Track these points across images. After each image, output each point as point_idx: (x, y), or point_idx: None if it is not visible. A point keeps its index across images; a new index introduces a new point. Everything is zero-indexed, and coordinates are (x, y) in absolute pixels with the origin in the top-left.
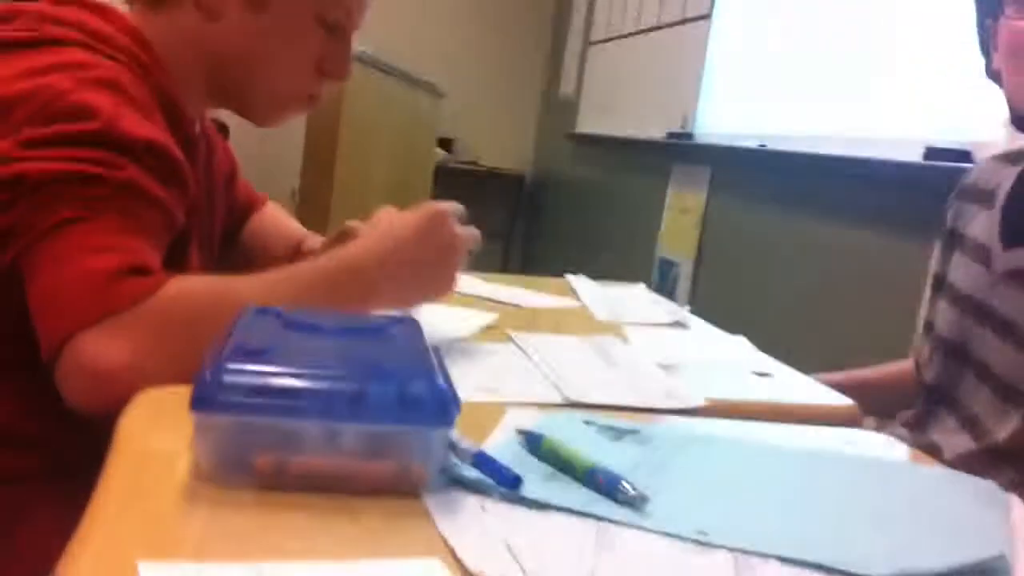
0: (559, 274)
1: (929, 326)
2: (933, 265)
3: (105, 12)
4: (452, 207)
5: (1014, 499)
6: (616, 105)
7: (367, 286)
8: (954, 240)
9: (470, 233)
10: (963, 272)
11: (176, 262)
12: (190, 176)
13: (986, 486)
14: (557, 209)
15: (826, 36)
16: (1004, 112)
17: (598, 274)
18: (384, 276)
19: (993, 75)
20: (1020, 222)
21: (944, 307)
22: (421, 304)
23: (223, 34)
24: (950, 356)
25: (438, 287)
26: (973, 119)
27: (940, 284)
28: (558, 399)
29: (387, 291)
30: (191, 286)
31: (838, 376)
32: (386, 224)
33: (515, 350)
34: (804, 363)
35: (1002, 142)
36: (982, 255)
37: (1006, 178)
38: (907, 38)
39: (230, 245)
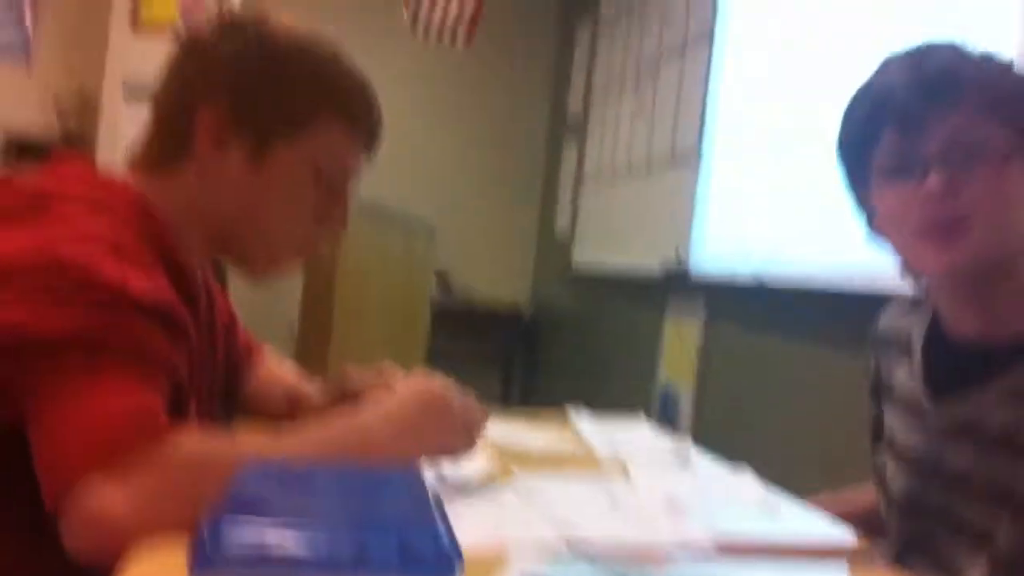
0: (560, 406)
1: (880, 474)
2: (870, 408)
3: (103, 172)
4: (445, 383)
5: None
6: (611, 239)
7: (378, 452)
8: (881, 390)
9: (475, 406)
10: (900, 425)
11: (175, 413)
12: (192, 330)
13: None
14: (556, 341)
15: (819, 166)
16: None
17: (600, 404)
18: (395, 442)
19: (875, 235)
20: (941, 374)
21: (892, 466)
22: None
23: (223, 189)
24: (911, 515)
25: (452, 451)
26: None
27: (879, 433)
28: (563, 543)
29: (398, 456)
30: (196, 440)
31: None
32: (391, 402)
33: (518, 492)
34: (807, 485)
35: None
36: (914, 410)
37: (915, 325)
38: None
39: (231, 393)
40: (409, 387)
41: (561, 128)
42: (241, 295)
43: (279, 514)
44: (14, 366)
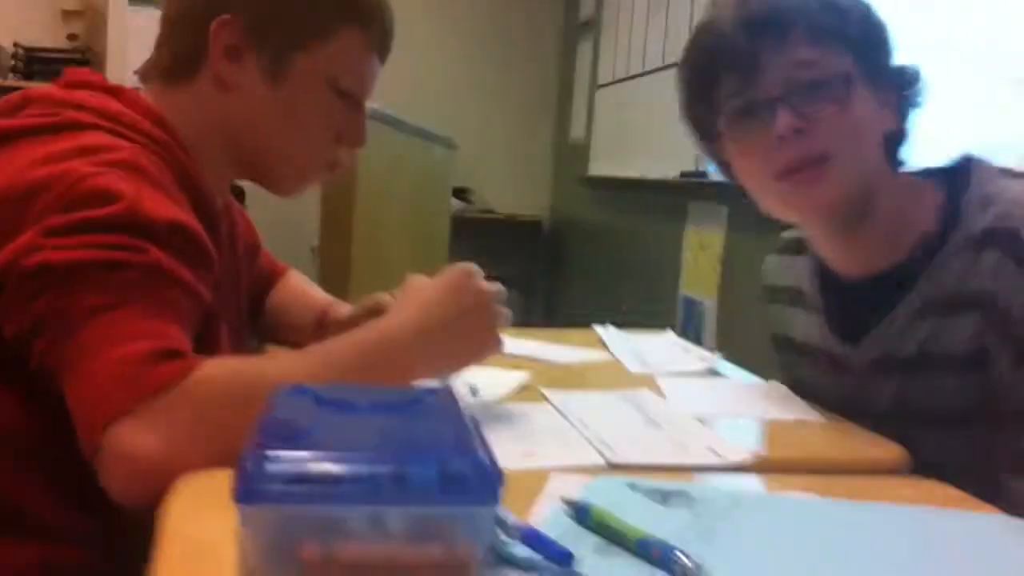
0: (584, 323)
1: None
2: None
3: (120, 93)
4: (473, 266)
5: None
6: (627, 147)
7: (405, 360)
8: (779, 342)
9: (498, 288)
10: (815, 374)
11: (207, 341)
12: (215, 255)
13: None
14: (577, 254)
15: None
16: None
17: (623, 318)
18: (422, 347)
19: (738, 188)
20: (843, 317)
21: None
22: (466, 368)
23: (241, 106)
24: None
25: (480, 348)
26: None
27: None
28: (601, 462)
29: (427, 362)
30: (223, 369)
31: None
32: (415, 293)
33: (551, 410)
34: None
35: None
36: (827, 358)
37: (802, 274)
38: None
39: (254, 318)
40: (440, 287)
41: (574, 32)
42: (258, 218)
43: (318, 442)
44: (37, 292)
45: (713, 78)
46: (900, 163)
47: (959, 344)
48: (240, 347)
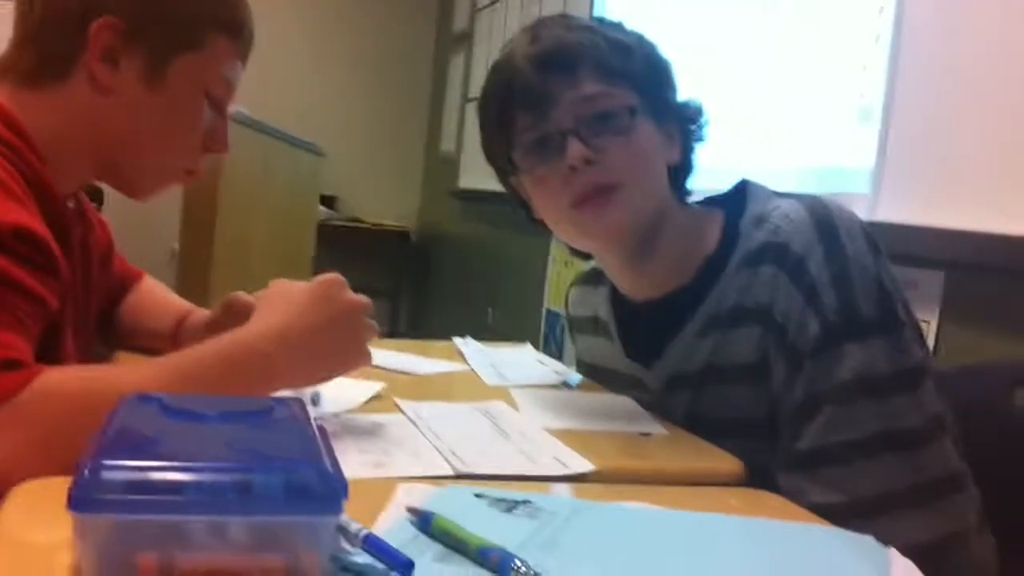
0: (449, 335)
1: None
2: None
3: None
4: (341, 276)
5: (893, 553)
6: None
7: (266, 369)
8: (585, 369)
9: (366, 300)
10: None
11: (51, 349)
12: (62, 260)
13: (865, 541)
14: (444, 266)
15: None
16: None
17: (488, 330)
18: (284, 357)
19: (538, 222)
20: (636, 341)
21: None
22: (331, 379)
23: (114, 109)
24: None
25: (346, 361)
26: None
27: None
28: (449, 471)
29: (289, 372)
30: (66, 377)
31: None
32: (279, 299)
33: (404, 421)
34: None
35: None
36: (630, 381)
37: (599, 302)
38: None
39: (105, 326)
40: (307, 296)
41: (448, 44)
42: (118, 221)
43: (161, 450)
44: None
45: (509, 114)
46: (686, 193)
47: (743, 355)
48: (87, 355)
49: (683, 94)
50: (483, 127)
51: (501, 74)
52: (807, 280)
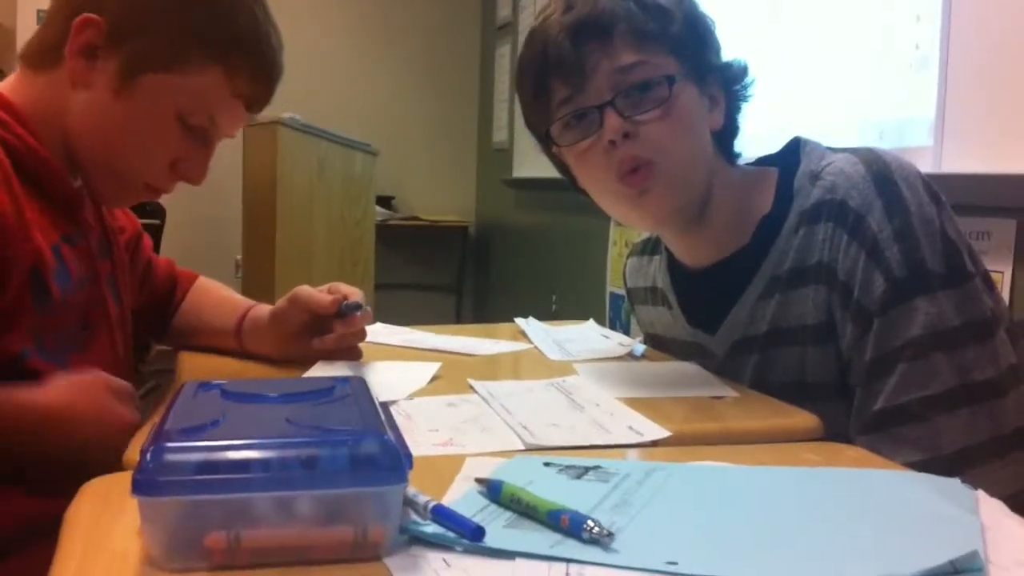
0: (511, 320)
1: None
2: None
3: None
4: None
5: (981, 495)
6: None
7: (33, 435)
8: (648, 340)
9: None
10: None
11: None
12: (14, 234)
13: (951, 484)
14: (505, 256)
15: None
16: None
17: (553, 317)
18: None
19: (582, 191)
20: (697, 308)
21: None
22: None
23: (84, 105)
24: None
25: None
26: None
27: None
28: (519, 446)
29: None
30: None
31: None
32: (75, 381)
33: (477, 399)
34: None
35: None
36: (693, 349)
37: (656, 271)
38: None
39: (163, 327)
40: (76, 396)
41: (492, 35)
42: (183, 237)
43: (224, 431)
44: None
45: (545, 85)
46: (735, 155)
47: (808, 315)
48: (123, 338)
49: (735, 53)
50: (522, 100)
51: (535, 44)
52: (868, 236)
